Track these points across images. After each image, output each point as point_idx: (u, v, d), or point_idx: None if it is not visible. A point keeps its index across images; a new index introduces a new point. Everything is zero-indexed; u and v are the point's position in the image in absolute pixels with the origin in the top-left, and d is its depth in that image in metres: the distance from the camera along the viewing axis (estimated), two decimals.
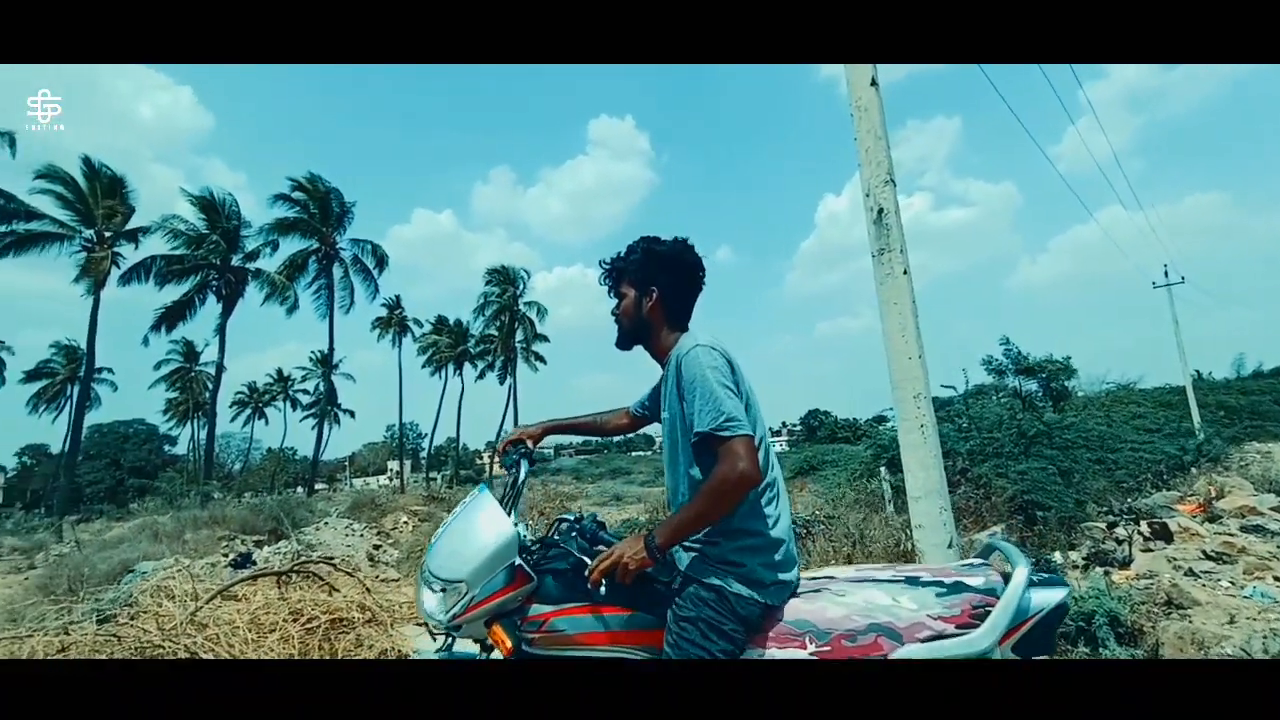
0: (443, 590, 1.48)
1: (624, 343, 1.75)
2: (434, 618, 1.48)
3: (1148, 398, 19.11)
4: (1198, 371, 29.69)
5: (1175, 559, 5.22)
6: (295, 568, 3.98)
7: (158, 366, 40.43)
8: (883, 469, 8.23)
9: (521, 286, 37.61)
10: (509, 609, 1.49)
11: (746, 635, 1.43)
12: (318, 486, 34.91)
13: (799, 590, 1.50)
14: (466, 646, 1.63)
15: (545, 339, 39.38)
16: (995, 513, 6.95)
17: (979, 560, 1.54)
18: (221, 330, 26.58)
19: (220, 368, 27.70)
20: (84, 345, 25.01)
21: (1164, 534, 6.02)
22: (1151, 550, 5.65)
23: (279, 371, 48.85)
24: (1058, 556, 5.68)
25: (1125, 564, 5.27)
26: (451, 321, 39.99)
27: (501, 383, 38.18)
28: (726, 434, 1.37)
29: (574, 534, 1.57)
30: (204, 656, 2.84)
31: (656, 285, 1.66)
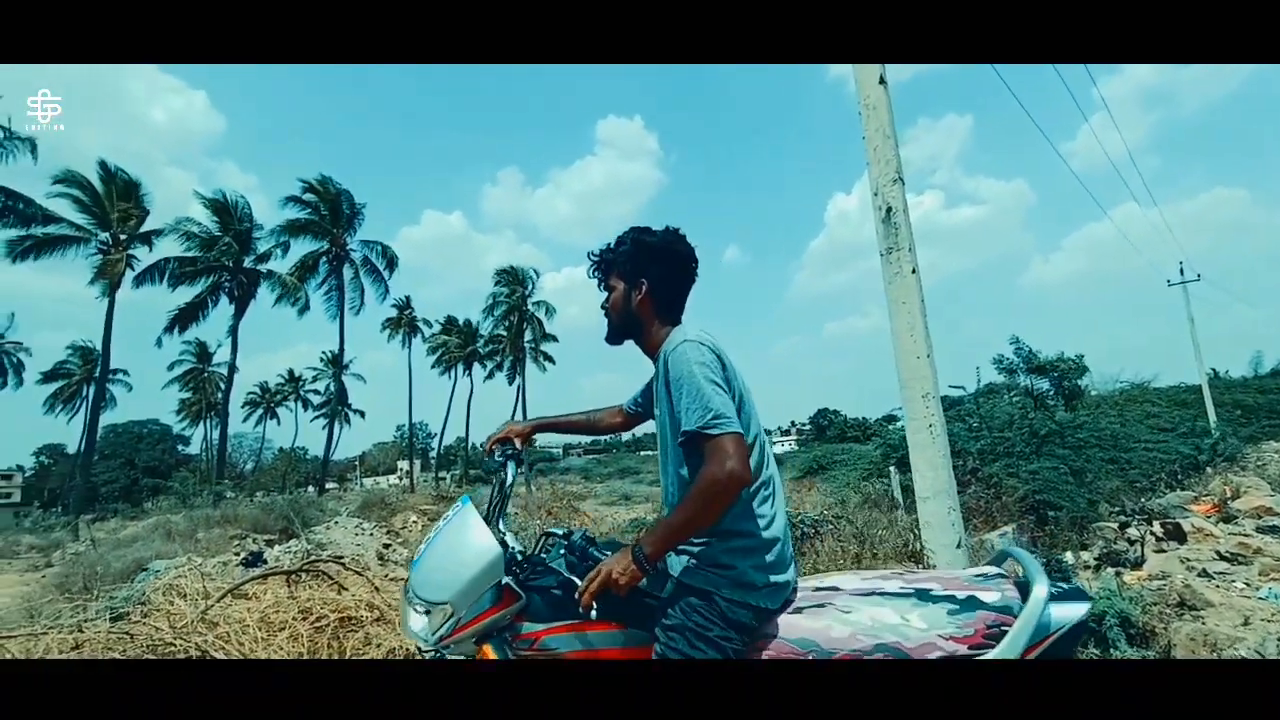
0: (427, 612, 1.42)
1: (613, 337, 1.69)
2: (420, 638, 1.42)
3: (1162, 396, 18.86)
4: (1214, 370, 29.32)
5: (1189, 560, 5.16)
6: (305, 567, 4.01)
7: (171, 367, 40.99)
8: (892, 468, 8.19)
9: (530, 287, 37.74)
10: (498, 627, 1.44)
11: (741, 641, 1.37)
12: (328, 486, 35.16)
13: (802, 605, 1.42)
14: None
15: (554, 339, 39.53)
16: (1006, 512, 6.90)
17: (993, 570, 1.45)
18: (234, 331, 26.85)
19: (233, 368, 28.00)
20: (99, 346, 25.33)
21: (1177, 534, 5.95)
22: (1164, 551, 5.59)
23: (290, 372, 49.36)
24: (1069, 557, 5.63)
25: (1137, 564, 5.21)
26: (461, 322, 40.22)
27: (510, 383, 38.39)
28: (714, 432, 1.30)
29: (562, 552, 1.51)
30: (215, 654, 2.87)
31: (646, 277, 1.60)
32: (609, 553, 1.44)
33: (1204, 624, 3.37)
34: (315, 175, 28.62)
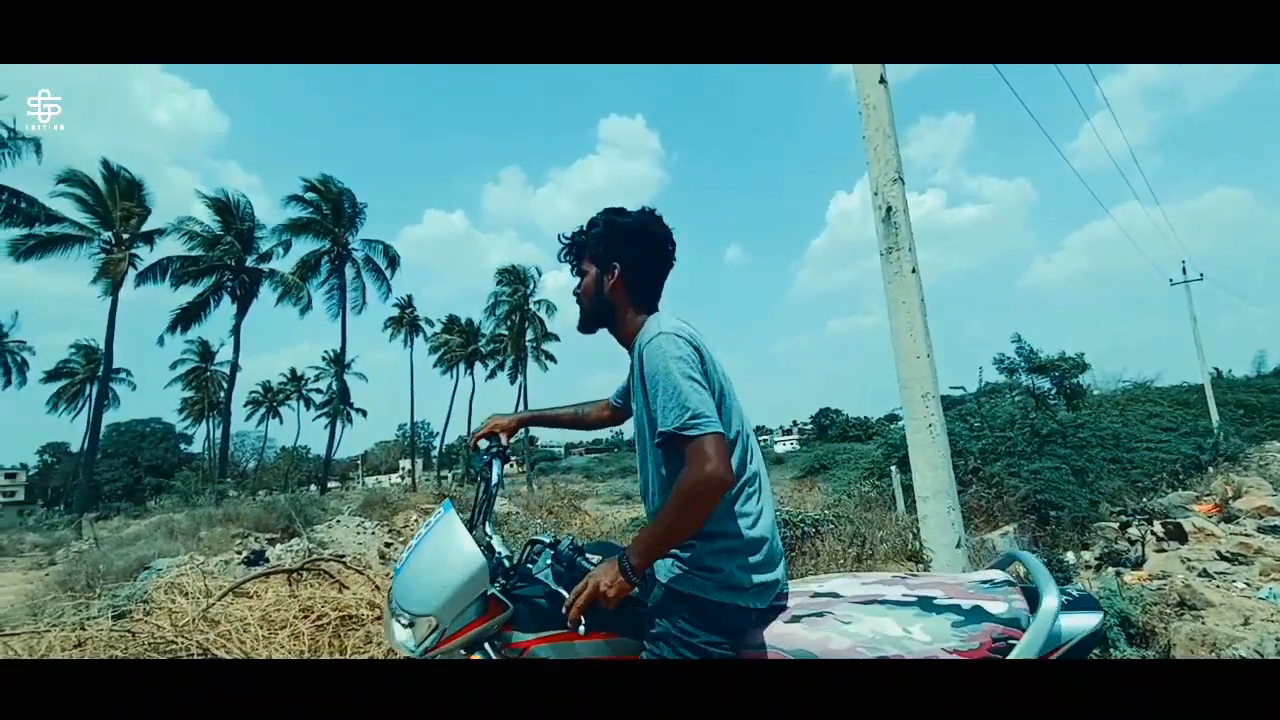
0: (411, 624, 1.38)
1: (585, 325, 1.60)
2: (405, 648, 1.39)
3: (1165, 396, 18.78)
4: (1217, 369, 29.21)
5: (1189, 560, 5.15)
6: (306, 565, 4.03)
7: (174, 366, 41.05)
8: (893, 468, 8.19)
9: (532, 286, 37.73)
10: (485, 637, 1.41)
11: (731, 645, 1.34)
12: (330, 485, 35.23)
13: (800, 614, 1.36)
14: None
15: (555, 338, 39.51)
16: (1007, 512, 6.90)
17: (999, 575, 1.39)
18: (236, 330, 26.93)
19: (235, 367, 28.08)
20: (102, 345, 25.41)
21: (1178, 534, 5.95)
22: (1165, 551, 5.59)
23: (292, 371, 49.44)
24: (1070, 557, 5.63)
25: (1138, 564, 5.21)
26: (463, 321, 40.25)
27: (512, 382, 38.38)
28: (692, 433, 1.24)
29: (549, 562, 1.45)
30: (216, 652, 2.89)
31: (619, 260, 1.50)
32: (597, 559, 1.41)
33: (1204, 624, 3.37)
34: (317, 174, 28.70)
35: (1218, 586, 4.28)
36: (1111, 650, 3.13)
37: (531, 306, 37.84)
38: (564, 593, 1.35)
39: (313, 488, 29.96)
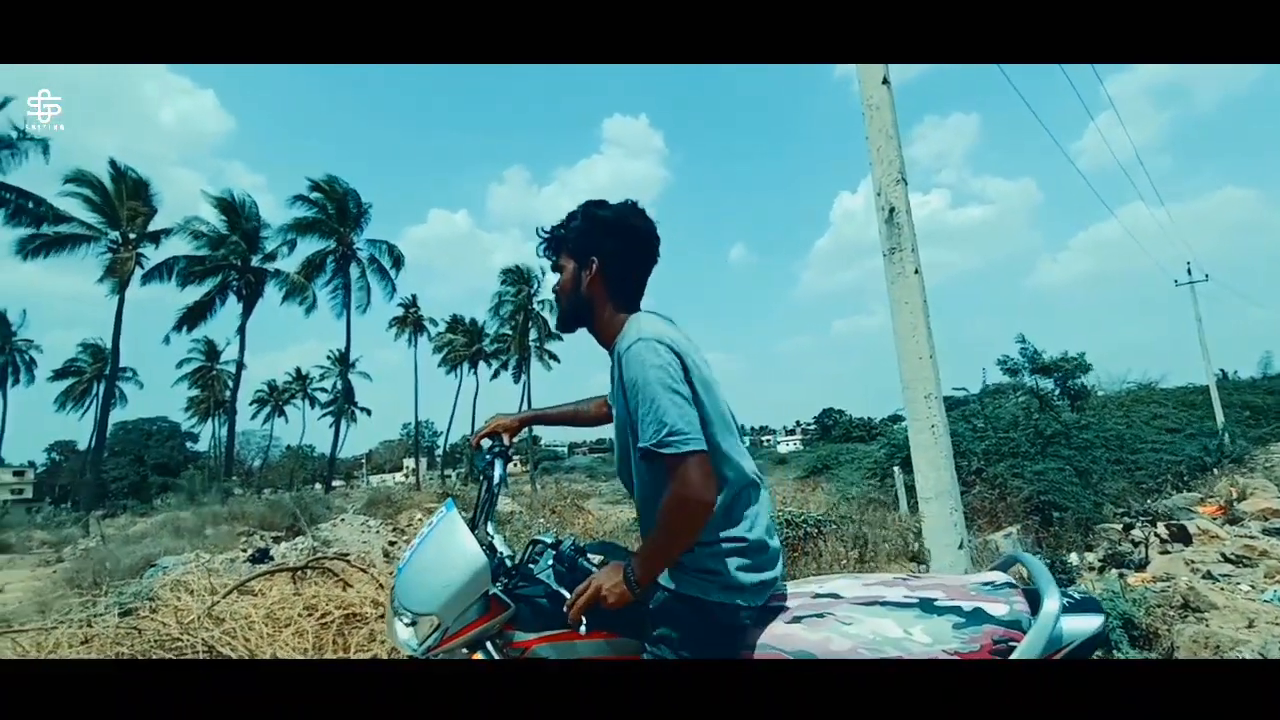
0: (414, 622, 1.39)
1: (564, 323, 1.54)
2: (408, 648, 1.40)
3: (1170, 397, 18.71)
4: (1222, 370, 29.12)
5: (1193, 562, 5.13)
6: (310, 563, 4.05)
7: (180, 365, 41.23)
8: (896, 469, 8.18)
9: (536, 285, 37.78)
10: (487, 636, 1.41)
11: (732, 644, 1.34)
12: (335, 483, 35.37)
13: (801, 614, 1.36)
14: None
15: (559, 337, 39.28)
16: (1011, 513, 6.89)
17: (1000, 577, 1.38)
18: (242, 330, 27.08)
19: (241, 366, 28.21)
20: (109, 344, 25.57)
21: (1182, 536, 5.92)
22: (1169, 552, 5.57)
23: (298, 370, 49.66)
24: (1074, 558, 5.62)
25: (1142, 566, 5.20)
26: (467, 320, 40.36)
27: (516, 381, 38.45)
28: (671, 451, 1.21)
29: (551, 562, 1.45)
30: (221, 649, 2.91)
31: (598, 255, 1.44)
32: (599, 559, 1.42)
33: (1208, 627, 3.36)
34: (322, 174, 28.84)
35: (1222, 589, 4.27)
36: (1114, 653, 3.13)
37: (535, 306, 37.90)
38: (565, 593, 1.35)
39: (317, 486, 30.11)
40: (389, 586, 3.88)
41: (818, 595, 1.41)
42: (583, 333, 1.58)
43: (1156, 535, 6.04)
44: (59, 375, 37.53)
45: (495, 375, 39.70)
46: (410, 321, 37.94)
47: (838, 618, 1.33)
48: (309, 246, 28.53)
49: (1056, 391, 10.74)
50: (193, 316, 26.52)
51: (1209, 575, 4.72)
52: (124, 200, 23.64)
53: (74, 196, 22.94)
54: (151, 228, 24.66)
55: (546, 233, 1.53)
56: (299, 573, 3.87)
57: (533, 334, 38.11)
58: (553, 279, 1.54)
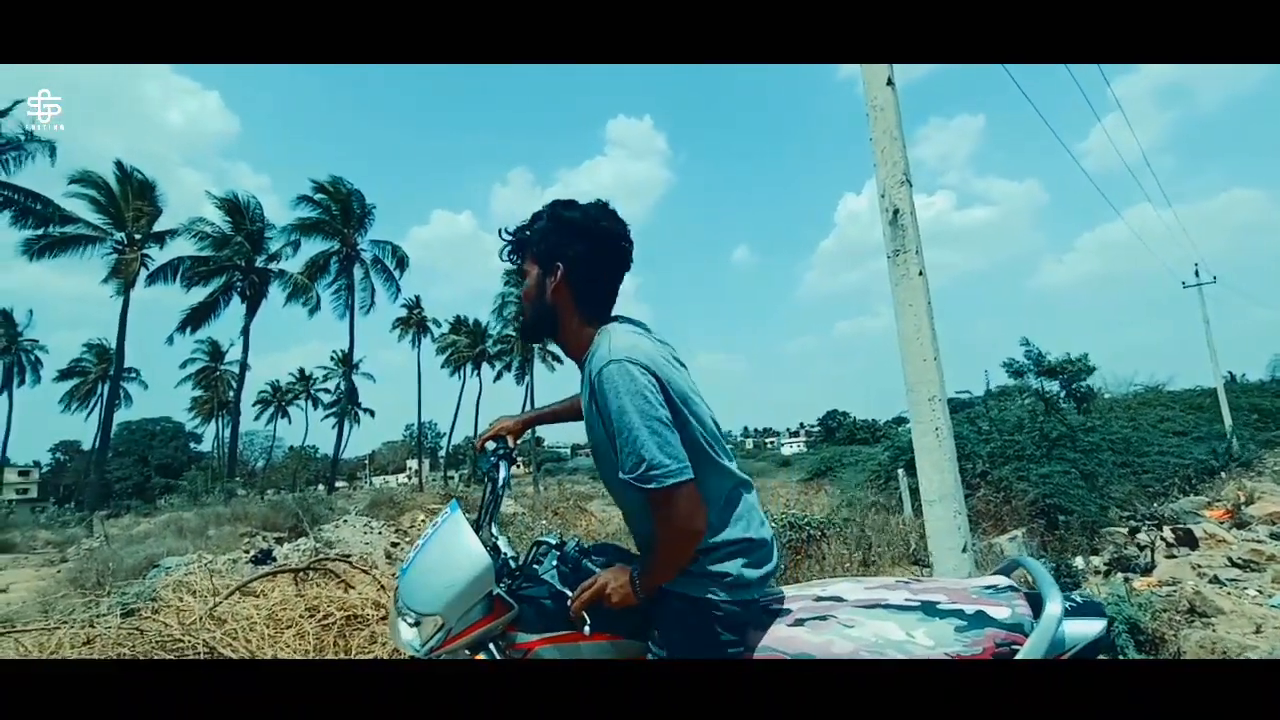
0: (417, 623, 1.39)
1: (528, 334, 1.46)
2: (411, 648, 1.40)
3: (1177, 400, 18.60)
4: (1230, 373, 28.94)
5: (1200, 566, 5.09)
6: (312, 565, 4.05)
7: (184, 365, 41.42)
8: (900, 471, 8.16)
9: None
10: (490, 637, 1.41)
11: (739, 643, 1.32)
12: (338, 484, 35.46)
13: (804, 617, 1.36)
14: None
15: None
16: (1016, 516, 6.86)
17: (1003, 580, 1.39)
18: (246, 330, 27.16)
19: (244, 367, 28.31)
20: (114, 345, 25.69)
21: (1189, 540, 5.88)
22: (1175, 557, 5.53)
23: (301, 371, 49.83)
24: (1079, 562, 5.59)
25: (1148, 570, 5.16)
26: (470, 321, 40.42)
27: (519, 382, 38.50)
28: (653, 486, 1.18)
29: (555, 563, 1.45)
30: (222, 650, 2.91)
31: (562, 260, 1.35)
32: (602, 560, 1.42)
33: (1214, 631, 3.33)
34: (326, 175, 29.00)
35: (1229, 593, 4.23)
36: (1119, 657, 3.10)
37: None
38: (569, 594, 1.36)
39: (320, 487, 30.20)
40: (391, 588, 3.88)
41: (820, 598, 1.41)
42: None
43: (1163, 539, 6.00)
44: (64, 375, 37.73)
45: (498, 376, 39.73)
46: (414, 322, 38.01)
47: (840, 620, 1.33)
48: (313, 247, 28.68)
49: (1062, 394, 10.69)
50: (197, 317, 26.64)
51: (1216, 580, 4.69)
52: (129, 201, 23.76)
53: (79, 197, 23.11)
54: (156, 228, 24.80)
55: (510, 234, 1.44)
56: (301, 574, 3.87)
57: None
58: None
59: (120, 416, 35.65)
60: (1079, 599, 1.31)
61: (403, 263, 31.22)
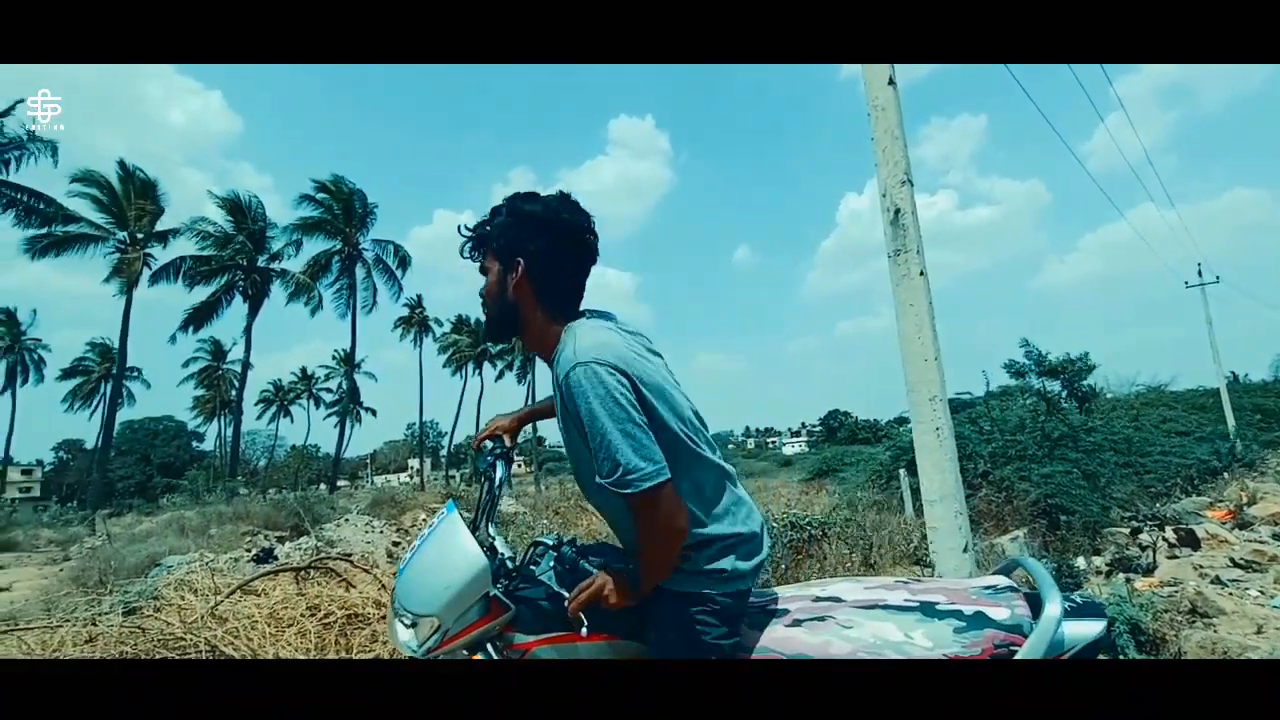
0: (414, 624, 1.38)
1: (491, 333, 1.42)
2: (408, 649, 1.39)
3: (1180, 400, 18.54)
4: (1233, 373, 28.86)
5: (1202, 566, 5.09)
6: (314, 564, 4.05)
7: (186, 364, 41.50)
8: (902, 471, 8.15)
9: None
10: (487, 638, 1.41)
11: (737, 635, 1.33)
12: (339, 483, 35.50)
13: (802, 618, 1.36)
14: None
15: None
16: (1017, 516, 6.85)
17: (1002, 581, 1.38)
18: (248, 329, 27.23)
19: (246, 366, 28.36)
20: (117, 344, 25.75)
21: (1191, 541, 5.87)
22: (1177, 557, 5.52)
23: (303, 370, 49.88)
24: (1081, 562, 5.58)
25: (1149, 571, 5.15)
26: (472, 321, 40.38)
27: (520, 382, 38.58)
28: (630, 491, 1.16)
29: (552, 564, 1.45)
30: (223, 649, 2.92)
31: (523, 255, 1.31)
32: (599, 560, 1.42)
33: (1216, 632, 3.33)
34: (329, 175, 29.02)
35: (1230, 594, 4.23)
36: (1120, 658, 3.09)
37: None
38: (566, 595, 1.35)
39: (322, 486, 30.24)
40: (391, 587, 3.89)
41: (818, 599, 1.41)
42: None
43: (1165, 539, 5.99)
44: (67, 374, 37.84)
45: (500, 376, 39.82)
46: (415, 322, 38.04)
47: (838, 621, 1.33)
48: (315, 247, 28.73)
49: (1064, 394, 10.66)
50: (199, 316, 26.69)
51: (1217, 580, 4.68)
52: (132, 200, 23.80)
53: (82, 197, 23.16)
54: (159, 228, 24.84)
55: (470, 230, 1.39)
56: (302, 573, 3.87)
57: None
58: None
59: (123, 415, 35.81)
60: (1079, 600, 1.31)
61: (404, 262, 31.28)
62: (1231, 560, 5.16)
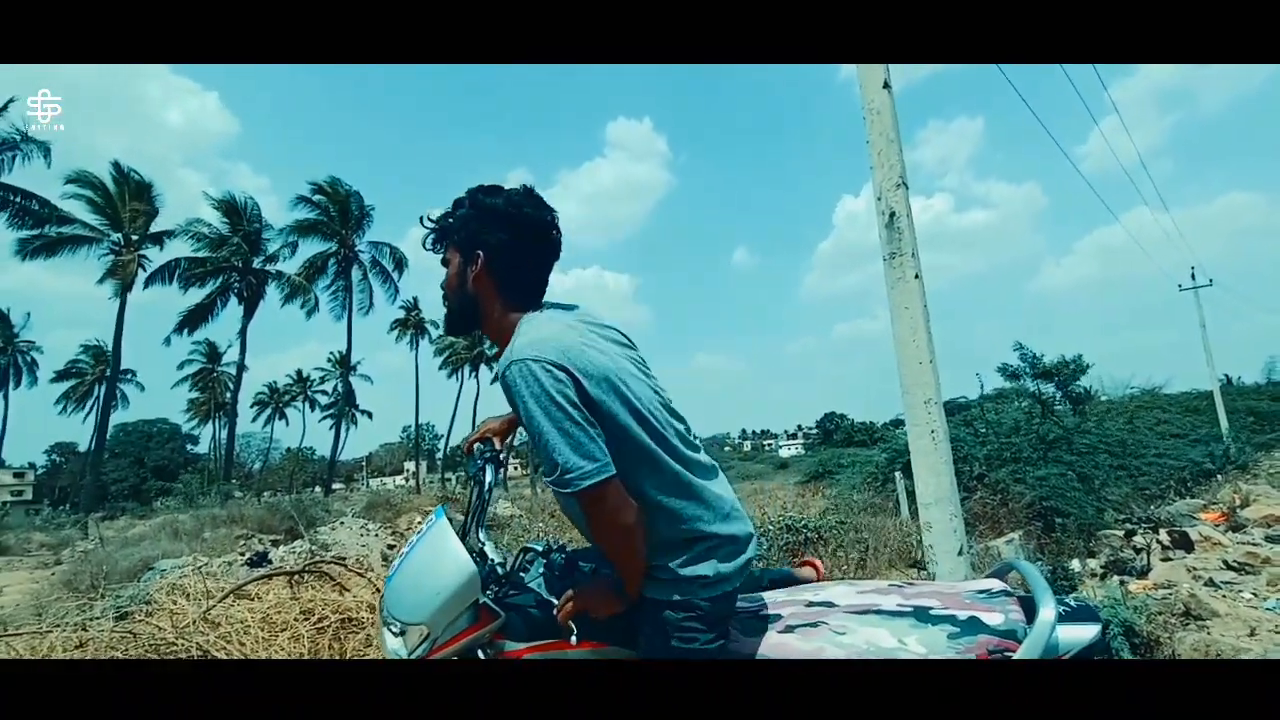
0: (402, 632, 1.37)
1: (451, 326, 1.42)
2: (396, 657, 1.38)
3: (1173, 403, 18.64)
4: (1226, 376, 29.02)
5: (1195, 569, 5.10)
6: (307, 567, 4.03)
7: (180, 367, 41.30)
8: (897, 474, 8.16)
9: None
10: (477, 646, 1.39)
11: (722, 634, 1.31)
12: (335, 486, 35.41)
13: (795, 624, 1.35)
14: None
15: None
16: (1012, 519, 6.87)
17: (997, 585, 1.37)
18: (243, 332, 27.11)
19: (241, 368, 28.24)
20: (110, 346, 25.61)
21: (1184, 543, 5.89)
22: (1171, 560, 5.54)
23: (298, 372, 49.68)
24: (1076, 564, 5.59)
25: (1143, 573, 5.17)
26: None
27: None
28: (571, 490, 1.15)
29: (542, 571, 1.44)
30: (216, 654, 2.89)
31: (483, 248, 1.31)
32: (590, 566, 1.41)
33: (1209, 634, 3.33)
34: (325, 176, 28.96)
35: (1224, 596, 4.24)
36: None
37: None
38: (556, 602, 1.34)
39: (317, 489, 30.09)
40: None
41: (811, 604, 1.40)
42: None
43: (1159, 542, 6.00)
44: (60, 377, 37.65)
45: (496, 379, 39.73)
46: (412, 324, 37.96)
47: (831, 627, 1.32)
48: (311, 248, 28.63)
49: (1058, 396, 10.70)
50: (194, 318, 26.57)
51: (1211, 582, 4.69)
52: (126, 202, 23.72)
53: (76, 198, 23.07)
54: (154, 229, 24.76)
55: (432, 222, 1.38)
56: (296, 577, 3.85)
57: None
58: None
59: (117, 418, 35.67)
60: (1073, 603, 1.31)
61: (401, 264, 31.20)
62: (1225, 563, 5.18)
